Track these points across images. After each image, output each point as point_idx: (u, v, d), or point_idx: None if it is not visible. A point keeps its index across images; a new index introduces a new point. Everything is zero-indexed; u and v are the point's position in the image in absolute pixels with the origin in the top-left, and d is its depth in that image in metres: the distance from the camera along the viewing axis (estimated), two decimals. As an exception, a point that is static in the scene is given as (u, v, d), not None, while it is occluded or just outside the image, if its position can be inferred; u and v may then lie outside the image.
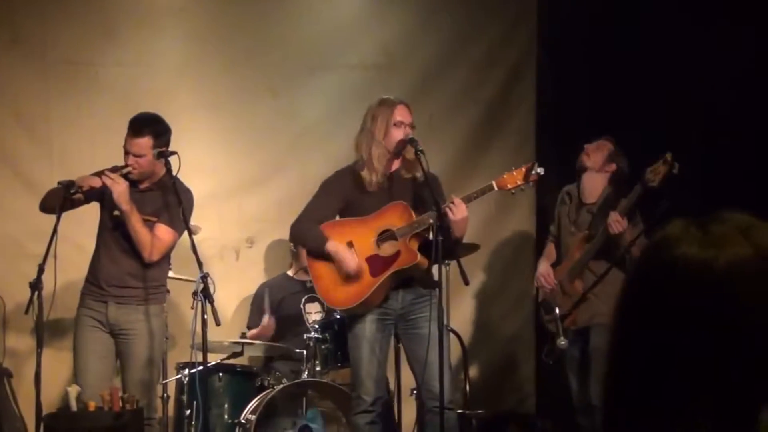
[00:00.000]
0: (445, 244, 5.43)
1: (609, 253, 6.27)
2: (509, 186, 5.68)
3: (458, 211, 5.57)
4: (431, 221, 5.56)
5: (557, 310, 6.35)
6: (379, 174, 5.80)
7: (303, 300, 6.95)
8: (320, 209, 5.90)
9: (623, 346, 1.29)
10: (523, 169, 5.68)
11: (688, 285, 1.22)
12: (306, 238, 5.97)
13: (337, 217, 5.94)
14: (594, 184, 6.53)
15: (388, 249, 5.79)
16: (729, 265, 1.21)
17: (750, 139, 6.55)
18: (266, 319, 7.08)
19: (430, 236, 5.57)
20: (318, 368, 6.43)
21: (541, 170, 5.67)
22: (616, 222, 6.10)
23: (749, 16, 6.49)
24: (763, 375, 1.19)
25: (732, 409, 1.19)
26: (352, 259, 5.75)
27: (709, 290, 1.21)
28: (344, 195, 5.90)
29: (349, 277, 5.75)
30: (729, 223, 1.25)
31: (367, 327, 5.75)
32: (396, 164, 5.88)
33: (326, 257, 5.81)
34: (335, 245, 5.79)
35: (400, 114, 5.84)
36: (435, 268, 5.68)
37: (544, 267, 6.68)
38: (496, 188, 5.67)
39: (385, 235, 5.79)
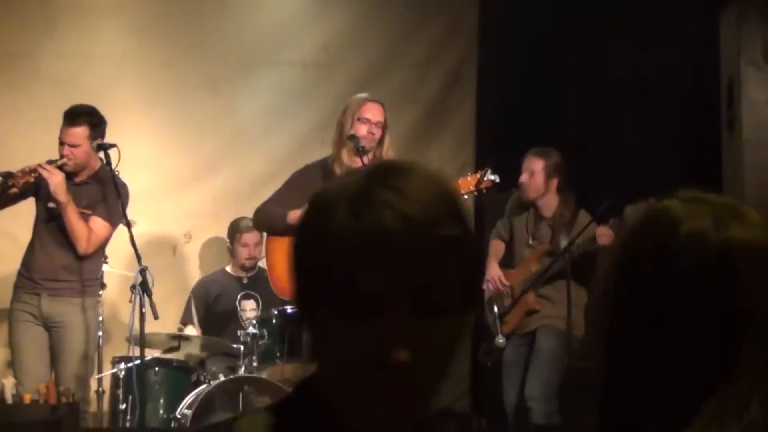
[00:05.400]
0: None
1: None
2: (462, 191, 5.65)
3: None
4: None
5: (495, 309, 6.39)
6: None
7: (239, 296, 6.95)
8: (284, 199, 5.88)
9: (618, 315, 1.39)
10: (477, 175, 5.69)
11: (687, 256, 1.34)
12: (268, 219, 5.94)
13: None
14: (548, 202, 6.55)
15: None
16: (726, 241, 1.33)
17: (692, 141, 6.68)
18: (193, 329, 7.03)
19: None
20: (255, 364, 6.42)
21: (495, 177, 5.69)
22: (605, 235, 6.07)
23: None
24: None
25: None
26: None
27: (703, 262, 1.33)
28: (311, 188, 5.84)
29: None
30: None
31: None
32: (365, 161, 5.83)
33: (286, 244, 5.78)
34: (297, 213, 5.76)
35: (368, 110, 5.84)
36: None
37: (495, 270, 6.58)
38: None
39: None
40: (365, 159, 5.77)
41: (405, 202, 1.23)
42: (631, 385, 1.35)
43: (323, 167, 5.89)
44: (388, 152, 5.81)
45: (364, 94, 5.99)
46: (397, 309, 1.22)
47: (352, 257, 1.22)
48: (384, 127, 5.86)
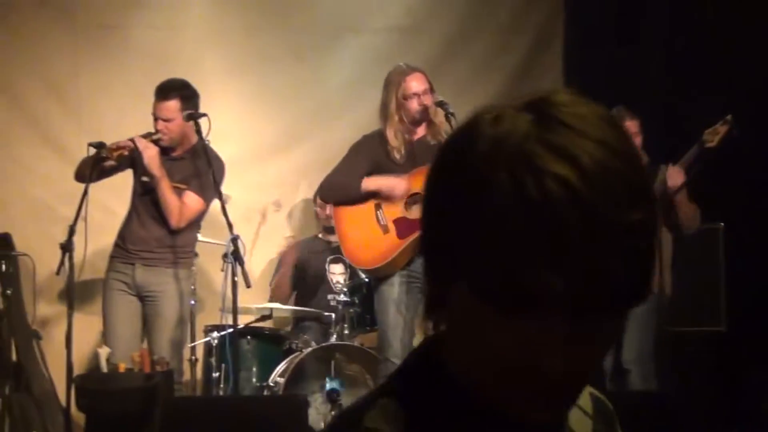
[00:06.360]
0: None
1: None
2: None
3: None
4: None
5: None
6: (400, 148, 5.75)
7: (328, 260, 6.99)
8: (348, 170, 5.83)
9: None
10: None
11: None
12: (339, 190, 5.86)
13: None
14: None
15: (416, 212, 5.74)
16: None
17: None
18: (281, 274, 7.13)
19: None
20: (346, 332, 6.47)
21: None
22: (676, 173, 6.10)
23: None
24: None
25: None
26: (399, 182, 5.68)
27: None
28: (372, 158, 5.82)
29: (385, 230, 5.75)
30: None
31: (395, 289, 5.70)
32: (421, 131, 5.83)
33: (356, 214, 5.80)
34: (373, 180, 5.76)
35: (412, 85, 5.76)
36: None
37: None
38: None
39: (414, 198, 5.72)
40: (421, 128, 5.81)
41: (582, 176, 1.00)
42: None
43: (381, 137, 5.84)
44: (437, 113, 5.76)
45: (401, 66, 5.89)
46: (558, 309, 1.02)
47: (507, 240, 1.01)
48: (431, 91, 5.81)
